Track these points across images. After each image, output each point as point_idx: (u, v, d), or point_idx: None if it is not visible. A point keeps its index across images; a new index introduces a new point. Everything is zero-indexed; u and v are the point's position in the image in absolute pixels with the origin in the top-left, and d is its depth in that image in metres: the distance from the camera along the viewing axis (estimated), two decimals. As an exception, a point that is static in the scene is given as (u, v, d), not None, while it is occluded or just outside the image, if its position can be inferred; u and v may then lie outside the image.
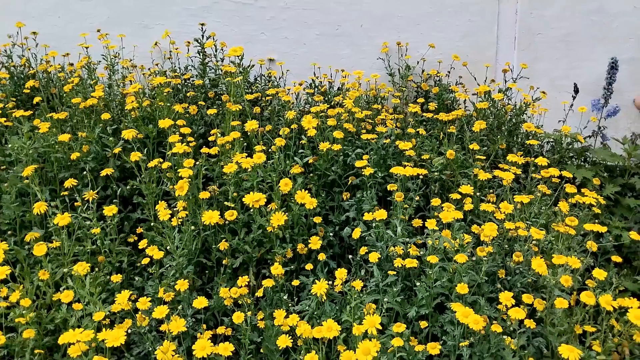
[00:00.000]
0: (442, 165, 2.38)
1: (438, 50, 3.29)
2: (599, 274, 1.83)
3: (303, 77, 3.16)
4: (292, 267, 2.15)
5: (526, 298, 1.78)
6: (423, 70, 3.29)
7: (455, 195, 2.17)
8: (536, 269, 1.76)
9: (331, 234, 2.24)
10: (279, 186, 2.12)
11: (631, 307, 1.72)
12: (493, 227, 1.90)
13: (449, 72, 3.26)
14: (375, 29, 3.30)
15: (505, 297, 1.71)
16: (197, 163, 2.18)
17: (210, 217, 1.94)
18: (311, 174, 2.37)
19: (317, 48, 3.30)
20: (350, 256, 2.15)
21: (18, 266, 2.04)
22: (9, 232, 2.19)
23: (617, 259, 2.14)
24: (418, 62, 3.29)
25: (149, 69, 3.11)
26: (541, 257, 1.89)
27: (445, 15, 3.32)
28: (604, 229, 2.01)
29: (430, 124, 2.88)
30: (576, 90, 3.21)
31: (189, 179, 2.02)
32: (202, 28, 3.00)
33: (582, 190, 2.32)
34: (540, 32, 3.39)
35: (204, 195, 2.06)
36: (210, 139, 2.44)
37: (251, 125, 2.32)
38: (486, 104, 2.79)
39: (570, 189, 2.24)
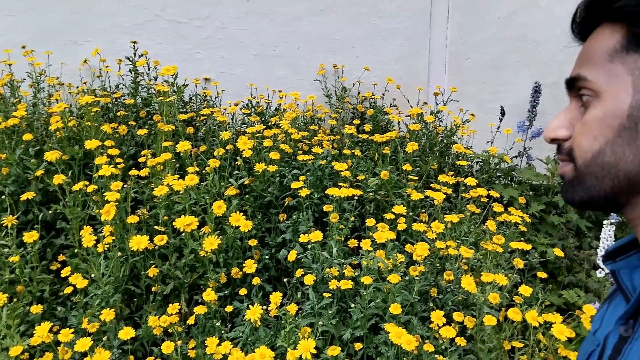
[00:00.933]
0: (377, 186, 2.42)
1: (373, 73, 3.36)
2: (525, 290, 1.89)
3: (240, 97, 3.14)
4: (226, 292, 2.09)
5: (457, 316, 1.81)
6: (359, 93, 3.35)
7: (389, 215, 2.20)
8: (465, 287, 1.80)
9: (267, 257, 2.21)
10: (213, 209, 2.07)
11: (555, 322, 1.79)
12: (424, 246, 1.94)
13: (383, 94, 3.34)
14: (312, 51, 3.34)
15: (437, 316, 1.74)
16: (126, 186, 2.10)
17: (139, 242, 1.87)
18: (247, 196, 2.34)
19: (254, 68, 3.29)
20: (286, 279, 2.12)
21: None
22: None
23: (542, 274, 2.23)
24: (354, 84, 3.35)
25: (77, 87, 2.99)
26: (471, 275, 1.94)
27: (378, 39, 3.41)
28: (528, 247, 2.10)
29: (366, 145, 2.92)
30: (503, 113, 3.36)
31: (116, 203, 1.94)
32: (134, 46, 2.92)
33: (509, 208, 2.42)
34: (469, 57, 3.55)
35: (132, 219, 1.98)
36: (140, 160, 2.36)
37: (183, 145, 2.26)
38: (418, 125, 2.87)
39: (497, 207, 2.33)
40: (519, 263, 2.07)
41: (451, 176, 2.55)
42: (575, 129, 0.59)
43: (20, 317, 1.89)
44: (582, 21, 0.60)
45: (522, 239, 2.41)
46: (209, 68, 3.27)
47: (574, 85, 0.59)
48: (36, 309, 1.85)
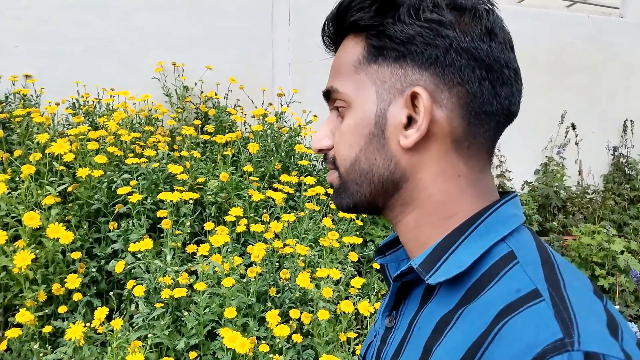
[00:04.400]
0: (218, 188, 2.37)
1: (216, 72, 3.29)
2: (357, 282, 1.99)
3: (65, 95, 2.87)
4: (47, 311, 1.88)
5: (293, 313, 1.84)
6: (202, 92, 3.26)
7: (229, 218, 2.17)
8: (301, 284, 1.84)
9: (94, 270, 2.03)
10: (32, 221, 1.85)
11: (383, 310, 1.90)
12: (261, 247, 1.94)
13: (227, 94, 3.29)
14: (149, 48, 3.17)
15: (272, 316, 1.74)
16: None
17: None
18: (70, 204, 2.13)
19: (82, 65, 3.02)
20: (116, 292, 1.98)
21: None
22: None
23: (377, 265, 2.36)
24: (196, 84, 3.25)
25: None
26: (308, 272, 1.98)
27: (220, 38, 3.35)
28: (359, 240, 2.20)
29: (209, 146, 2.85)
30: (343, 114, 3.51)
31: None
32: None
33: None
34: (311, 60, 3.64)
35: None
36: None
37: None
38: (261, 126, 2.87)
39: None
40: (353, 257, 2.17)
41: (295, 176, 2.59)
42: (335, 139, 0.60)
43: None
44: (330, 34, 0.61)
45: (358, 233, 2.53)
46: (29, 64, 2.94)
47: (329, 97, 0.61)
48: None
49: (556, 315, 0.44)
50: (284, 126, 3.10)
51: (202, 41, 3.31)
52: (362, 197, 0.59)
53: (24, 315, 1.67)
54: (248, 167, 2.48)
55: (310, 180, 2.43)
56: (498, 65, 0.54)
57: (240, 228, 2.11)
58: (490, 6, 0.55)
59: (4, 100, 2.72)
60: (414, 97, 0.54)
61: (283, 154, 2.95)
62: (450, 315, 0.51)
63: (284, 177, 2.50)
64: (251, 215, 2.32)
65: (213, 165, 2.50)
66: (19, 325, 1.75)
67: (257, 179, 2.52)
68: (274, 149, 2.93)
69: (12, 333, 1.67)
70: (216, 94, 3.24)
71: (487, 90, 0.54)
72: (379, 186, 0.58)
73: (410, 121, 0.55)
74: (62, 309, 1.81)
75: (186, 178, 2.26)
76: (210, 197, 2.31)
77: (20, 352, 1.73)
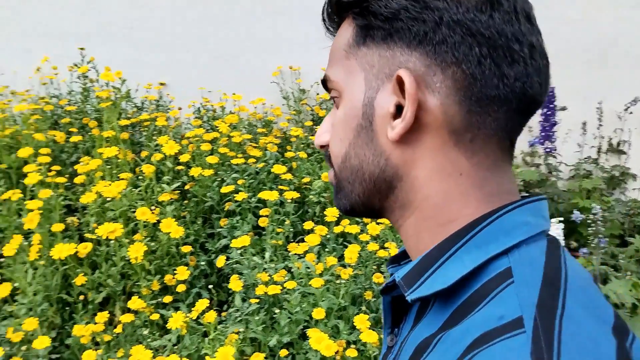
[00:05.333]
0: (322, 188, 2.38)
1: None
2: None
3: (192, 100, 3.11)
4: (160, 299, 2.05)
5: (385, 320, 1.76)
6: (317, 94, 3.31)
7: (330, 218, 2.16)
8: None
9: (203, 263, 2.16)
10: (144, 215, 2.03)
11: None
12: (355, 248, 1.89)
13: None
14: (267, 53, 3.30)
15: (360, 320, 1.69)
16: (54, 193, 2.06)
17: (60, 250, 1.83)
18: (186, 201, 2.30)
19: (208, 72, 3.25)
20: (225, 286, 2.08)
21: None
22: None
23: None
24: (312, 86, 3.31)
25: (26, 92, 2.96)
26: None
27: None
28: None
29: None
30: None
31: (40, 211, 1.90)
32: (81, 53, 2.89)
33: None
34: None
35: (57, 227, 1.94)
36: (77, 167, 2.32)
37: (111, 151, 2.22)
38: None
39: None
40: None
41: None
42: (331, 133, 0.55)
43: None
44: (328, 17, 0.55)
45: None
46: (163, 72, 3.24)
47: (327, 87, 0.55)
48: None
49: (533, 353, 0.34)
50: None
51: (317, 44, 3.35)
52: (357, 198, 0.52)
53: (135, 302, 1.83)
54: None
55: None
56: (503, 39, 0.44)
57: (339, 228, 2.09)
58: None
59: (140, 106, 3.03)
60: (400, 81, 0.46)
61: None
62: (428, 341, 0.43)
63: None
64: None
65: (319, 165, 2.52)
66: (136, 312, 1.93)
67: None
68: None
69: (126, 318, 1.84)
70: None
71: (490, 71, 0.44)
72: (371, 185, 0.50)
73: (400, 110, 0.47)
74: (167, 299, 1.95)
75: (290, 178, 2.30)
76: (313, 197, 2.32)
77: (132, 335, 1.90)
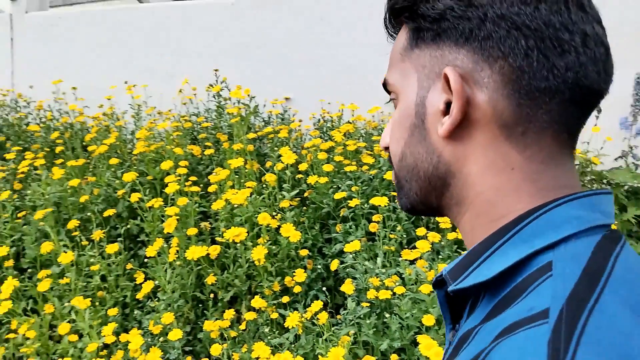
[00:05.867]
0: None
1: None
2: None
3: (313, 112, 3.26)
4: (281, 299, 2.18)
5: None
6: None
7: (445, 225, 2.13)
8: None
9: (320, 266, 2.26)
10: (265, 220, 2.18)
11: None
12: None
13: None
14: (383, 62, 3.34)
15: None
16: (189, 201, 2.30)
17: (193, 252, 2.04)
18: (305, 207, 2.42)
19: (328, 85, 3.38)
20: (324, 288, 2.16)
21: (30, 301, 2.23)
22: (29, 270, 2.41)
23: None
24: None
25: (169, 112, 3.34)
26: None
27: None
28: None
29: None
30: (599, 109, 3.05)
31: (177, 217, 2.14)
32: (216, 74, 3.19)
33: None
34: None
35: (191, 231, 2.17)
36: (210, 177, 2.57)
37: (237, 162, 2.41)
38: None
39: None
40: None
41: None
42: (390, 134, 0.58)
43: (102, 319, 2.16)
44: (389, 22, 0.58)
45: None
46: (288, 87, 3.44)
47: (387, 90, 0.58)
48: (112, 311, 2.11)
49: (551, 342, 0.34)
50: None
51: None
52: (415, 196, 0.55)
53: (257, 302, 1.97)
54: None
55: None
56: (551, 30, 0.44)
57: (453, 235, 2.05)
58: None
59: (267, 120, 3.25)
60: (447, 79, 0.47)
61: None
62: (470, 332, 0.44)
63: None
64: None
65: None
66: (258, 311, 2.08)
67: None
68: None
69: (249, 316, 1.99)
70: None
71: (538, 63, 0.44)
72: (426, 183, 0.52)
73: (450, 107, 0.49)
74: (285, 299, 2.07)
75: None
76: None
77: (255, 332, 2.05)
